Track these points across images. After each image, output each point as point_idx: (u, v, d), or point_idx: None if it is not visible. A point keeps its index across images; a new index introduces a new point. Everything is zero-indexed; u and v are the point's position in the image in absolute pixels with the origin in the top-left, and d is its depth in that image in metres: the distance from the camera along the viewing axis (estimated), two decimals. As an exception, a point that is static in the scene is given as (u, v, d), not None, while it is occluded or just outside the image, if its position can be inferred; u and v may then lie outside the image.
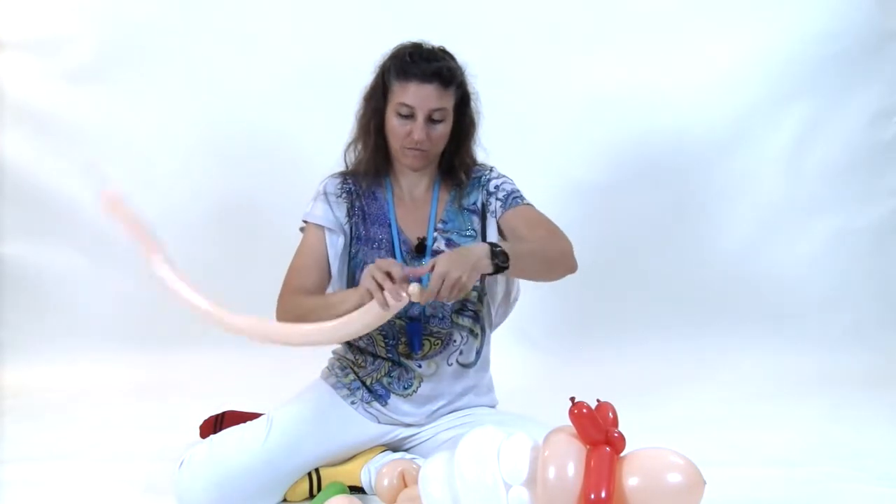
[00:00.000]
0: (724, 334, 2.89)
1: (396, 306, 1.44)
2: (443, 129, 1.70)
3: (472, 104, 1.77)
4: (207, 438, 1.67)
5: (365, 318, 1.50)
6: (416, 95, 1.65)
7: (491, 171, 1.83)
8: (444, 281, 1.40)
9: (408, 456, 1.71)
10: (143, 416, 2.38)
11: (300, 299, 1.70)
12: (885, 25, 2.90)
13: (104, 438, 2.16)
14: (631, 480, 1.23)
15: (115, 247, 2.99)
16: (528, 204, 1.78)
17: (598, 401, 1.35)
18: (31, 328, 2.97)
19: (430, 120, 1.67)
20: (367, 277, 1.45)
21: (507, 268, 1.48)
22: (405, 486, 1.53)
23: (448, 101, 1.69)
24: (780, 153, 2.95)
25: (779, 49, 2.89)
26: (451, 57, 1.73)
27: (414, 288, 1.43)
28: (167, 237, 2.93)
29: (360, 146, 1.78)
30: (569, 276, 2.93)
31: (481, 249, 1.47)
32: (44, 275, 3.00)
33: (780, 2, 2.89)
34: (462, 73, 1.73)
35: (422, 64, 1.66)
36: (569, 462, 1.22)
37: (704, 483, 1.25)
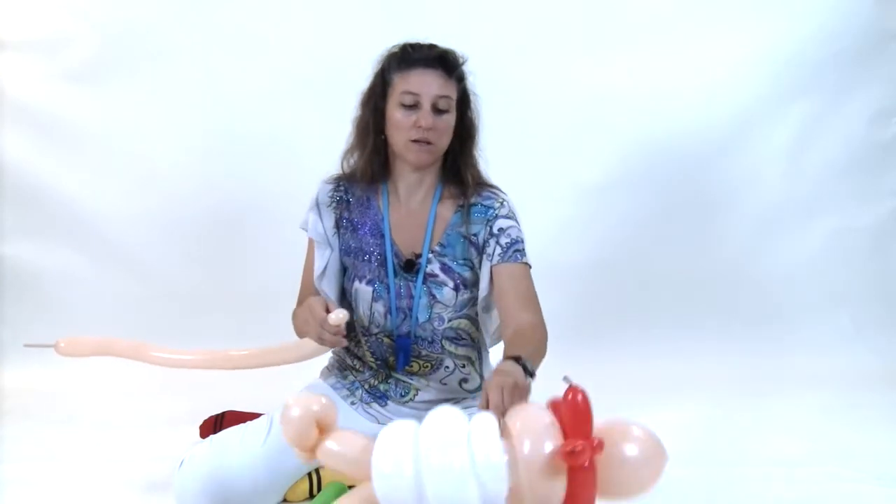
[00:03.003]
0: (723, 334, 2.89)
1: (333, 340, 1.50)
2: (448, 120, 1.65)
3: (473, 105, 1.72)
4: (207, 438, 1.66)
5: (302, 350, 1.60)
6: (421, 81, 1.62)
7: (502, 205, 1.70)
8: (503, 390, 1.25)
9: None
10: (143, 416, 2.38)
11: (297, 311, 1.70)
12: (885, 25, 2.90)
13: (104, 438, 2.16)
14: None
15: (115, 247, 3.00)
16: (524, 263, 1.65)
17: (568, 382, 1.17)
18: (32, 328, 2.97)
19: (436, 110, 1.63)
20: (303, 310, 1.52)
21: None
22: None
23: (452, 91, 1.65)
24: (780, 153, 2.95)
25: (779, 49, 2.89)
26: None
27: (335, 315, 1.47)
28: (167, 236, 2.98)
29: (357, 152, 1.73)
30: (567, 277, 2.95)
31: (517, 370, 1.33)
32: (44, 275, 3.00)
33: (780, 2, 2.89)
34: (462, 68, 1.69)
35: (424, 50, 1.65)
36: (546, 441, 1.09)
37: (666, 456, 1.19)
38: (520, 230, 1.69)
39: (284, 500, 1.66)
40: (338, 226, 1.73)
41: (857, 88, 2.93)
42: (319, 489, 1.68)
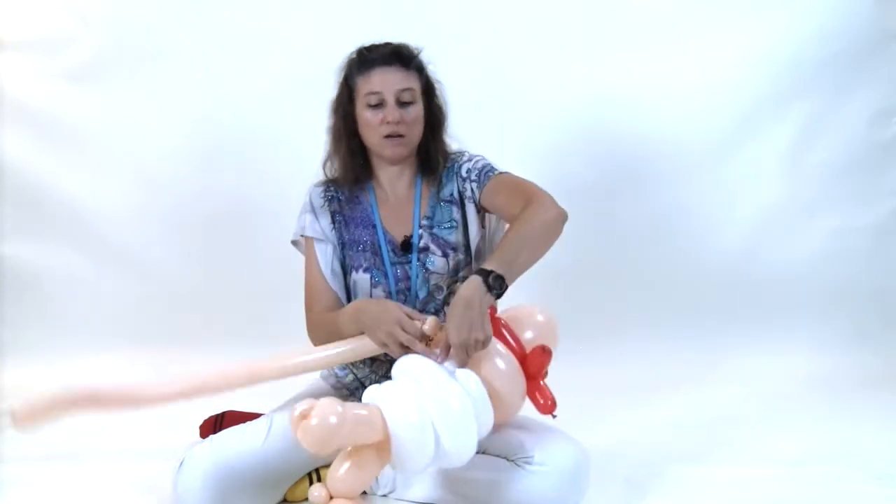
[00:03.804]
0: (723, 334, 2.88)
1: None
2: (414, 112, 1.71)
3: (438, 93, 1.79)
4: (207, 438, 1.66)
5: (358, 349, 1.56)
6: (381, 79, 1.68)
7: (462, 155, 1.80)
8: (467, 350, 1.41)
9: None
10: (143, 416, 2.37)
11: (322, 318, 1.71)
12: (885, 25, 2.89)
13: (104, 438, 2.16)
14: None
15: (115, 247, 3.01)
16: (502, 173, 1.74)
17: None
18: (31, 328, 2.98)
19: (401, 103, 1.69)
20: (382, 333, 1.49)
21: (506, 288, 1.46)
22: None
23: (413, 82, 1.71)
24: (780, 153, 2.95)
25: (779, 49, 2.89)
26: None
27: (430, 323, 1.48)
28: (167, 236, 2.98)
29: (336, 158, 1.79)
30: (568, 277, 2.94)
31: (474, 289, 1.41)
32: (44, 275, 3.00)
33: (780, 2, 2.89)
34: (420, 59, 1.75)
35: (379, 49, 1.72)
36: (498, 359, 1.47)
37: (556, 322, 1.55)
38: (485, 159, 1.77)
39: (284, 499, 1.66)
40: (333, 221, 1.78)
41: (857, 88, 2.93)
42: (319, 489, 1.68)
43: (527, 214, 1.55)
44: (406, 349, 1.47)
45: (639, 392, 2.57)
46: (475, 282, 1.42)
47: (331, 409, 1.28)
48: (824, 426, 2.20)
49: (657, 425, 2.25)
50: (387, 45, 1.73)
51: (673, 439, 2.10)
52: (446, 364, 1.43)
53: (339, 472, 1.41)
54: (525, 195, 1.61)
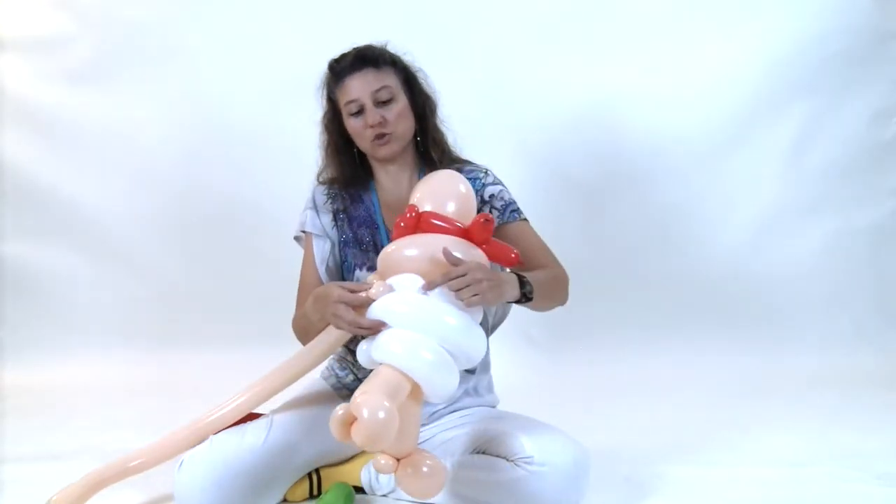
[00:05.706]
0: (723, 334, 2.89)
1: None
2: (397, 108, 1.70)
3: (422, 81, 1.78)
4: (207, 438, 1.67)
5: (328, 338, 1.58)
6: (354, 86, 1.69)
7: (486, 174, 1.79)
8: (465, 276, 1.38)
9: None
10: (143, 416, 2.38)
11: (297, 315, 1.74)
12: (884, 25, 2.90)
13: (104, 438, 2.16)
14: None
15: (115, 247, 3.01)
16: (524, 219, 1.76)
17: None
18: (31, 328, 2.98)
19: (380, 103, 1.69)
20: (330, 316, 1.50)
21: (531, 300, 1.51)
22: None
23: (388, 79, 1.71)
24: (780, 153, 2.95)
25: (779, 49, 2.89)
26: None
27: (376, 286, 1.46)
28: (167, 237, 2.98)
29: (332, 170, 1.81)
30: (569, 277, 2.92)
31: (510, 277, 1.49)
32: (44, 275, 3.01)
33: (780, 2, 2.89)
34: (390, 53, 1.75)
35: (346, 58, 1.73)
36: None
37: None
38: (510, 193, 1.77)
39: (284, 500, 1.66)
40: (335, 219, 1.78)
41: (857, 88, 2.93)
42: (319, 489, 1.68)
43: (556, 274, 1.67)
44: (356, 325, 1.46)
45: (639, 392, 2.57)
46: (510, 274, 1.51)
47: (376, 403, 1.23)
48: (824, 426, 2.21)
49: (657, 425, 2.25)
50: (351, 51, 1.74)
51: (673, 439, 2.11)
52: (408, 283, 1.42)
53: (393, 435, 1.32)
54: (543, 257, 1.71)
